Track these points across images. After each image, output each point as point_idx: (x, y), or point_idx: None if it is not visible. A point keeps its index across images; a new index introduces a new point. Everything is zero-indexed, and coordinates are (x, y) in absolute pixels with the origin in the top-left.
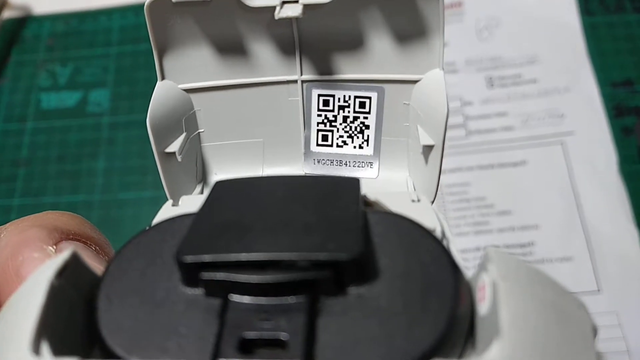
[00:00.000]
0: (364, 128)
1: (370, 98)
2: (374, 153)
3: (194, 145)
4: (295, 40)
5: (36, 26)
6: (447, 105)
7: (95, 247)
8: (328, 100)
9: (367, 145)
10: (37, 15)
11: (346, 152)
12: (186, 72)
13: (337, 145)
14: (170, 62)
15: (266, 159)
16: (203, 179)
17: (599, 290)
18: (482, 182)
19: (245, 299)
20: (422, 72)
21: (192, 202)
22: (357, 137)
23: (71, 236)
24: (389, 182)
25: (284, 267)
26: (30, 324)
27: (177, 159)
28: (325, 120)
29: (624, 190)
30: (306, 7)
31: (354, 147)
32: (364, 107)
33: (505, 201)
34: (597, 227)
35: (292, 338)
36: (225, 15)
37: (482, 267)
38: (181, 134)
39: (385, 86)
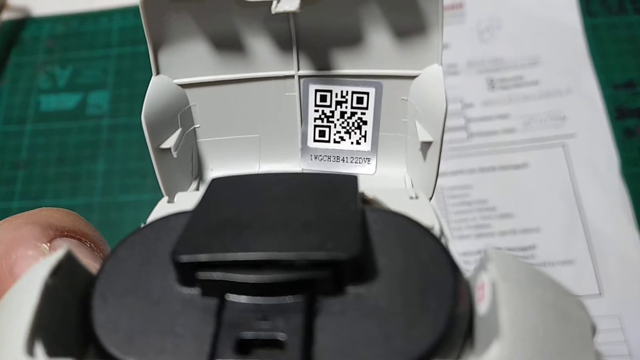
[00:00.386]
0: (361, 124)
1: (368, 93)
2: (371, 149)
3: (189, 141)
4: (292, 35)
5: (35, 28)
6: (446, 101)
7: (90, 244)
8: (325, 96)
9: (365, 141)
10: (37, 16)
11: (343, 148)
12: (182, 67)
13: (335, 141)
14: (165, 57)
15: (263, 154)
16: (199, 175)
17: (600, 293)
18: (483, 184)
19: (242, 299)
20: (420, 67)
21: (187, 199)
22: (355, 133)
23: (66, 233)
24: (386, 178)
25: (281, 267)
26: (24, 325)
27: (172, 155)
28: (323, 116)
29: (626, 192)
30: (303, 1)
31: (352, 143)
32: (362, 103)
33: (506, 204)
34: (599, 230)
35: (290, 338)
36: (221, 9)
37: (481, 266)
38: (177, 129)
39: (383, 82)
